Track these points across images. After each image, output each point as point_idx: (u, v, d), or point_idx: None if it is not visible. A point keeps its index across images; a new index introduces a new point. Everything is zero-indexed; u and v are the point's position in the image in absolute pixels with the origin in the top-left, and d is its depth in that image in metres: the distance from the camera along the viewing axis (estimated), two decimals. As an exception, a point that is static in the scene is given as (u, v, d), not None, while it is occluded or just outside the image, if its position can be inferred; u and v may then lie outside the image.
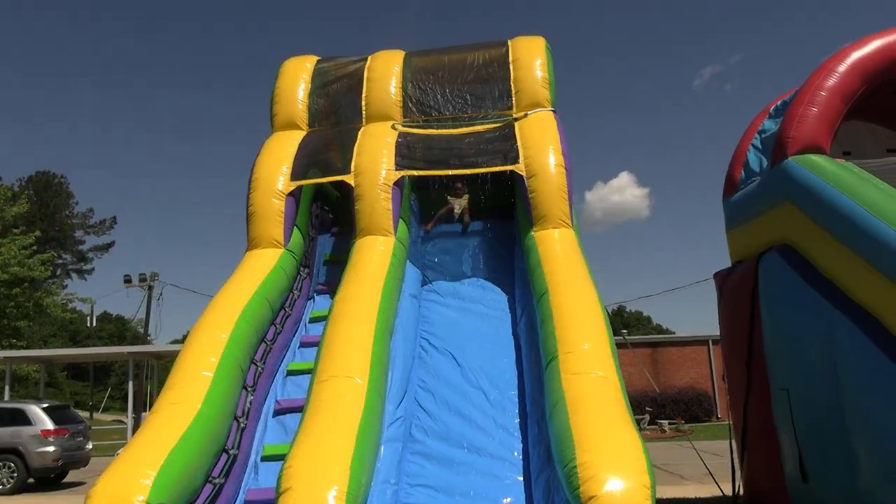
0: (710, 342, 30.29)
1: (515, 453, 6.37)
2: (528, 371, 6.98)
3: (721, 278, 9.68)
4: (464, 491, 6.02)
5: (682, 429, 24.91)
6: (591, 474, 4.74)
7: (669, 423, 26.39)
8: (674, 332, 46.53)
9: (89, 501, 5.01)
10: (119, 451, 5.61)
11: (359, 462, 5.19)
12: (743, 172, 9.15)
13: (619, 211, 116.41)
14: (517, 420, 6.72)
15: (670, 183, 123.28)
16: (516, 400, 6.91)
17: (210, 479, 5.75)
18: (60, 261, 51.04)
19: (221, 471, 5.98)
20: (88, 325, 45.64)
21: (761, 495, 8.74)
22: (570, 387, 5.71)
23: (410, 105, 9.49)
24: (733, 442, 9.55)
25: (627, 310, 69.89)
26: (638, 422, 26.26)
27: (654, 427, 26.53)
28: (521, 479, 6.10)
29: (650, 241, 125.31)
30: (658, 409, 28.28)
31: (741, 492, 9.35)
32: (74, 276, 55.35)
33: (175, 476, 5.24)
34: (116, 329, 64.69)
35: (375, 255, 7.87)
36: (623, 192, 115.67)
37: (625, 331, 34.32)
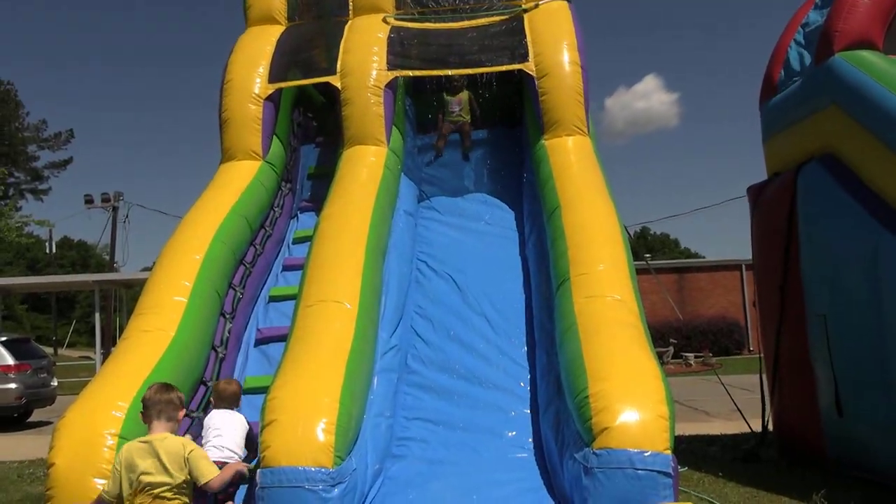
0: (744, 267, 30.48)
1: (522, 384, 6.54)
2: (536, 295, 7.08)
3: (755, 193, 9.69)
4: (465, 425, 6.20)
5: (710, 362, 25.30)
6: (604, 405, 4.88)
7: (696, 357, 26.83)
8: (703, 257, 46.80)
9: (57, 435, 5.18)
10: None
11: (349, 393, 5.32)
12: (783, 72, 9.04)
13: (644, 120, 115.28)
14: (524, 349, 6.87)
15: (702, 87, 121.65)
16: (523, 327, 7.04)
17: (188, 412, 5.91)
18: (13, 179, 50.97)
19: (199, 404, 6.15)
20: (47, 251, 45.97)
21: (792, 431, 8.96)
22: (583, 311, 5.81)
23: (404, -6, 9.32)
24: (764, 375, 9.73)
25: (652, 232, 70.01)
26: (661, 355, 26.81)
27: (678, 361, 26.98)
28: (528, 411, 6.28)
29: (679, 155, 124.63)
30: (683, 342, 28.68)
31: (770, 427, 9.58)
32: (29, 196, 55.41)
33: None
34: (79, 256, 65.15)
35: (366, 167, 7.88)
36: (649, 98, 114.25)
37: (648, 255, 34.56)
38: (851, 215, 7.58)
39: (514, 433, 6.10)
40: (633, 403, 4.84)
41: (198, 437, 5.55)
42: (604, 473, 4.66)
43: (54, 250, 45.43)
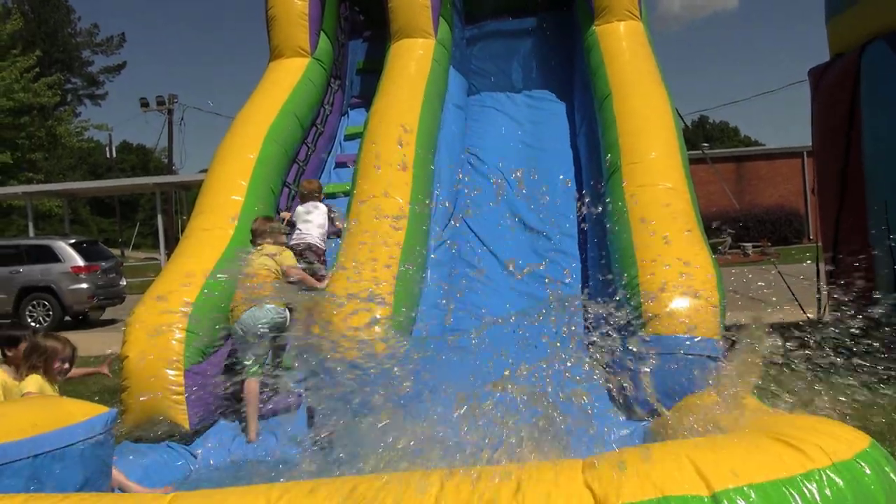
0: (805, 154, 29.58)
1: (572, 275, 6.58)
2: (587, 186, 7.05)
3: (816, 76, 9.33)
4: (517, 315, 6.30)
5: (768, 252, 24.98)
6: (654, 293, 4.91)
7: (753, 246, 26.47)
8: (763, 145, 45.54)
9: (128, 330, 5.44)
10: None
11: (403, 286, 5.48)
12: (848, -55, 8.56)
13: (702, 2, 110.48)
14: (575, 241, 6.88)
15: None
16: (574, 219, 7.03)
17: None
18: (70, 85, 51.51)
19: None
20: (108, 156, 46.79)
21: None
22: (635, 200, 5.77)
23: None
24: (821, 263, 9.61)
25: (710, 120, 68.00)
26: (717, 245, 26.46)
27: (735, 251, 26.67)
28: (579, 301, 6.33)
29: (738, 39, 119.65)
30: (741, 231, 28.22)
31: (827, 315, 9.53)
32: (87, 102, 56.08)
33: (212, 305, 5.62)
34: (139, 160, 66.10)
35: (414, 60, 7.79)
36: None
37: (705, 144, 33.65)
38: (918, 96, 7.30)
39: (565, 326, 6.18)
40: (683, 290, 4.87)
41: None
42: (654, 358, 4.73)
43: (114, 154, 46.16)
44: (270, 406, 5.59)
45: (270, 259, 5.63)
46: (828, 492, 1.69)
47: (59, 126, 34.89)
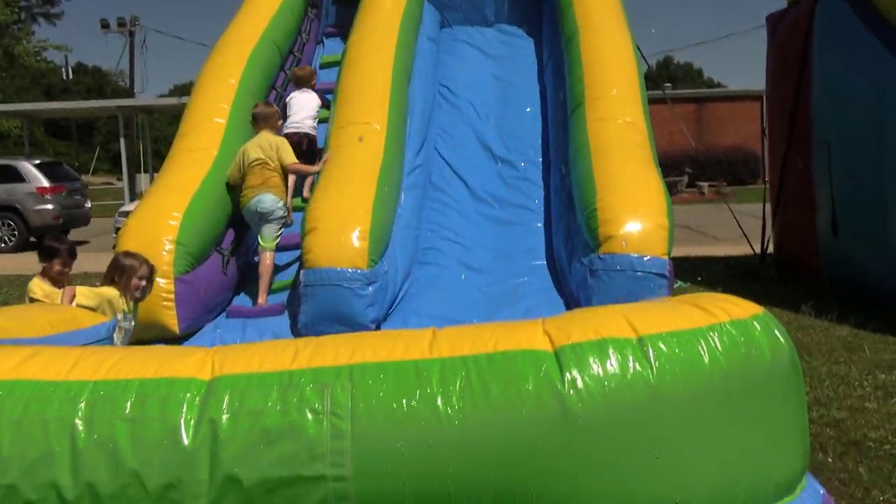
0: (765, 98, 30.28)
1: (536, 201, 7.12)
2: (552, 119, 7.52)
3: (774, 21, 9.84)
4: (484, 236, 6.85)
5: (723, 191, 25.75)
6: (609, 217, 5.46)
7: (710, 186, 27.28)
8: (726, 87, 46.18)
9: (121, 241, 5.84)
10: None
11: (380, 205, 5.93)
12: None
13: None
14: (539, 169, 7.39)
15: None
16: (539, 149, 7.53)
17: (232, 223, 6.56)
18: (24, 3, 50.05)
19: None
20: (64, 77, 45.81)
21: (790, 251, 9.60)
22: (596, 133, 6.29)
23: None
24: (768, 200, 10.25)
25: (675, 61, 68.51)
26: (675, 184, 27.11)
27: (693, 189, 27.46)
28: (541, 225, 6.90)
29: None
30: (699, 171, 28.98)
31: (771, 249, 10.22)
32: (42, 20, 54.57)
33: (198, 218, 6.03)
34: (94, 82, 64.77)
35: (389, -7, 8.09)
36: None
37: (668, 84, 34.13)
38: (866, 45, 7.81)
39: (529, 243, 6.74)
40: (636, 215, 5.42)
41: None
42: (607, 275, 5.30)
43: (71, 76, 45.24)
44: (253, 309, 6.10)
45: (269, 149, 6.30)
46: (726, 339, 2.26)
47: (17, 45, 34.18)
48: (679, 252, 12.28)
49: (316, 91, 7.52)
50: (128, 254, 5.02)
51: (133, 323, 4.89)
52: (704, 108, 31.89)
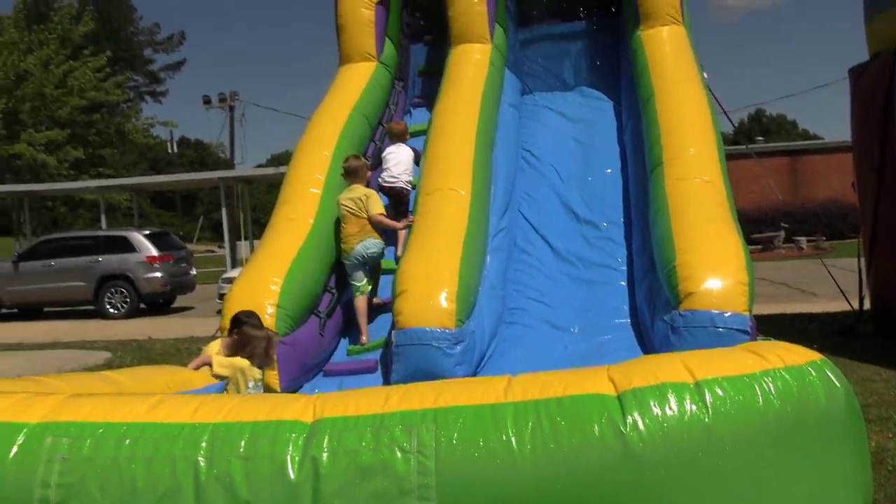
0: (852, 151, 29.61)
1: (619, 260, 7.31)
2: (633, 180, 7.74)
3: (856, 74, 9.85)
4: (569, 296, 7.06)
5: (822, 246, 25.17)
6: (689, 273, 5.62)
7: (808, 241, 26.69)
8: (822, 139, 45.25)
9: (227, 306, 6.30)
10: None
11: (466, 268, 6.24)
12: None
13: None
14: (622, 230, 7.59)
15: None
16: (621, 210, 7.74)
17: (328, 288, 6.99)
18: (133, 83, 53.56)
19: (338, 281, 7.20)
20: (169, 151, 48.39)
21: (887, 306, 9.41)
22: (674, 192, 6.48)
23: None
24: (863, 257, 10.07)
25: (767, 113, 67.51)
26: (770, 239, 26.61)
27: (790, 245, 26.91)
28: (625, 284, 7.07)
29: (796, 31, 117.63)
30: (797, 225, 28.41)
31: (868, 306, 10.02)
32: (149, 98, 58.17)
33: (297, 283, 6.46)
34: (196, 155, 68.14)
35: (472, 64, 8.54)
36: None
37: (760, 137, 33.76)
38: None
39: (612, 302, 6.91)
40: (716, 271, 5.56)
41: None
42: (688, 331, 5.44)
43: (175, 150, 47.79)
44: (349, 366, 6.46)
45: (359, 201, 6.88)
46: (779, 383, 2.43)
47: (128, 123, 36.58)
48: (775, 309, 12.20)
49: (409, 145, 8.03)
50: (254, 325, 5.24)
51: (262, 390, 5.09)
52: (798, 161, 31.37)
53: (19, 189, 27.43)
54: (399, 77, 9.69)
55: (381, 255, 7.04)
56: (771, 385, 2.41)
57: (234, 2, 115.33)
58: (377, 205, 6.99)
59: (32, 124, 31.95)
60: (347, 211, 6.92)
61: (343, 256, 6.99)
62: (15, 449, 2.67)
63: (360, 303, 6.90)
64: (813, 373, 2.49)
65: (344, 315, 7.16)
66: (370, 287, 7.00)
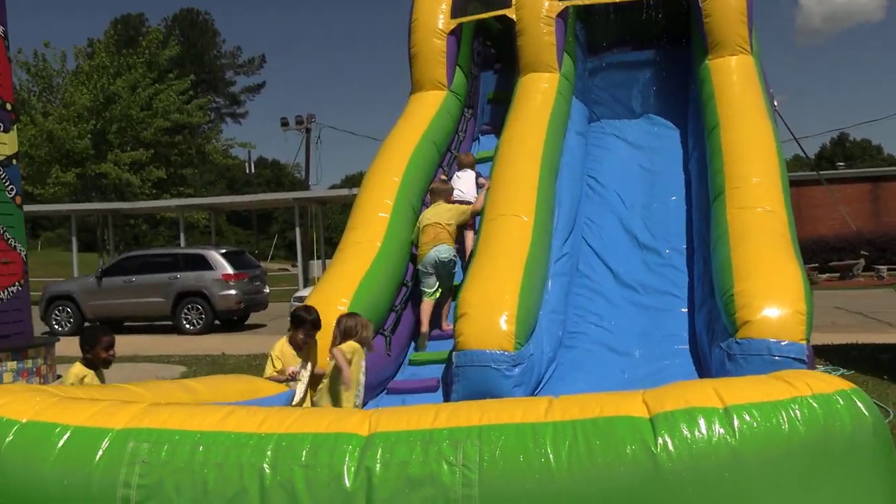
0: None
1: (680, 287, 7.39)
2: (696, 208, 7.82)
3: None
4: (630, 321, 7.18)
5: (904, 275, 24.46)
6: (746, 302, 5.69)
7: (889, 269, 25.94)
8: (908, 164, 43.89)
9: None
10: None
11: (527, 292, 6.42)
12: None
13: (845, 14, 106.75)
14: (683, 256, 7.67)
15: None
16: (683, 237, 7.83)
17: (393, 308, 7.26)
18: (213, 105, 55.51)
19: (402, 300, 7.47)
20: (247, 171, 49.90)
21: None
22: (735, 221, 6.56)
23: (575, -75, 9.87)
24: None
25: (851, 138, 65.84)
26: (849, 268, 25.96)
27: (870, 273, 26.19)
28: (685, 310, 7.15)
29: (885, 52, 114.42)
30: (878, 254, 27.65)
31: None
32: (229, 120, 60.21)
33: (364, 304, 6.73)
34: (273, 175, 69.97)
35: (539, 93, 8.76)
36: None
37: (842, 163, 32.99)
38: None
39: (672, 328, 7.00)
40: (773, 300, 5.62)
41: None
42: (745, 359, 5.50)
43: (253, 170, 49.30)
44: (411, 384, 6.69)
45: (443, 213, 7.56)
46: (806, 411, 2.57)
47: (208, 144, 38.01)
48: (847, 339, 12.00)
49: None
50: (351, 314, 6.02)
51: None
52: (881, 188, 30.53)
53: (105, 207, 28.72)
54: (469, 104, 9.97)
55: (453, 261, 7.46)
56: (798, 412, 2.54)
57: (313, 26, 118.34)
58: (466, 211, 7.83)
59: (119, 144, 33.39)
60: (427, 222, 7.50)
61: (418, 264, 7.46)
62: (101, 452, 2.99)
63: (426, 305, 7.36)
64: (841, 401, 2.61)
65: (408, 334, 7.42)
66: (440, 293, 7.40)
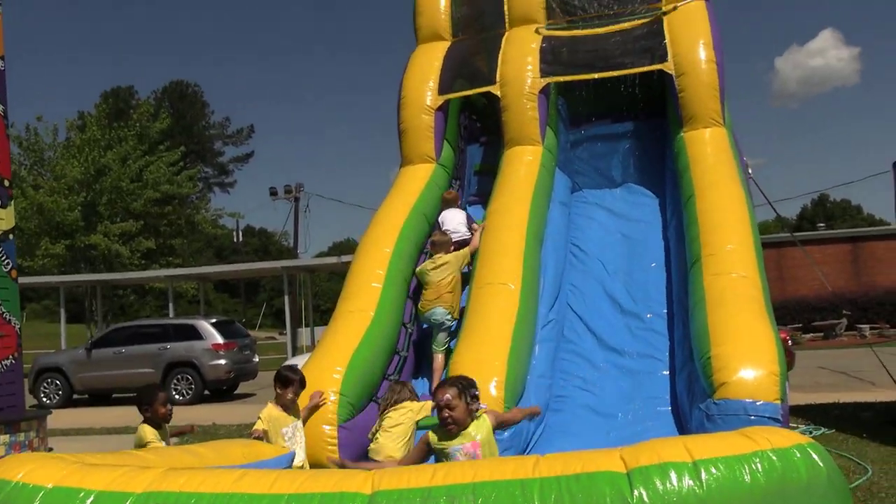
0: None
1: (661, 350, 7.70)
2: (675, 274, 8.19)
3: (897, 167, 10.20)
4: (614, 384, 7.46)
5: (887, 334, 24.86)
6: (723, 364, 6.01)
7: (871, 328, 26.36)
8: (889, 224, 44.71)
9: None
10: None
11: (515, 358, 6.73)
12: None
13: (820, 79, 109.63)
14: (664, 321, 8.00)
15: (888, 39, 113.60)
16: (664, 302, 8.17)
17: (386, 376, 7.51)
18: (202, 174, 56.14)
19: (395, 369, 7.72)
20: (234, 240, 50.29)
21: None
22: (711, 286, 6.91)
23: (554, 5, 10.46)
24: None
25: (831, 199, 67.08)
26: (832, 327, 26.32)
27: (852, 333, 26.59)
28: (667, 373, 7.45)
29: (860, 115, 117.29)
30: (860, 313, 28.09)
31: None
32: (217, 189, 60.84)
33: (358, 373, 7.00)
34: (260, 243, 70.43)
35: (524, 165, 9.19)
36: (825, 54, 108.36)
37: (822, 224, 33.62)
38: None
39: (654, 390, 7.28)
40: (748, 363, 5.95)
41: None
42: (722, 419, 5.79)
43: (241, 238, 49.71)
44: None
45: (440, 268, 8.06)
46: (766, 463, 2.88)
47: (197, 214, 38.46)
48: (830, 398, 12.27)
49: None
50: (398, 382, 6.52)
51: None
52: (860, 248, 31.13)
53: (94, 278, 28.89)
54: (456, 176, 10.38)
55: (449, 323, 7.92)
56: (759, 464, 2.86)
57: (302, 98, 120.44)
58: (465, 255, 8.36)
59: (109, 216, 33.73)
60: (429, 279, 8.09)
61: (420, 315, 8.11)
62: (122, 515, 3.22)
63: (437, 359, 7.83)
64: (798, 454, 2.92)
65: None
66: (444, 346, 7.88)
